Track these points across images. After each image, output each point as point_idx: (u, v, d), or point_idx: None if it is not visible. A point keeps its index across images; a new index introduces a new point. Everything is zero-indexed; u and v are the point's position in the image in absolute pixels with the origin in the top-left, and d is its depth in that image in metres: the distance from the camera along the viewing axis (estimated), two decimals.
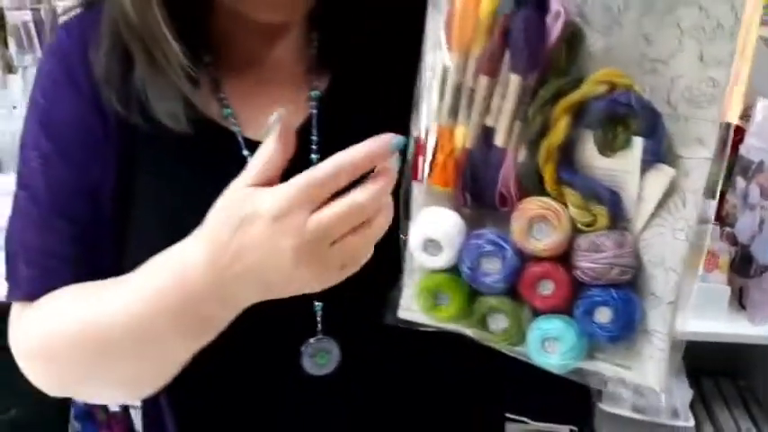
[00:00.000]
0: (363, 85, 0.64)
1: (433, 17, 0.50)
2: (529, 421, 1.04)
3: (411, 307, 0.54)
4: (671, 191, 0.46)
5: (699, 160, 0.46)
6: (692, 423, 1.00)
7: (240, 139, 0.62)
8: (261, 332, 0.60)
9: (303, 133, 0.63)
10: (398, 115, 0.56)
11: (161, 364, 0.57)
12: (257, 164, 0.47)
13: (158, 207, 0.62)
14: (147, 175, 0.62)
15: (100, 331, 0.54)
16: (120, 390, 0.63)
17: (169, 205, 0.62)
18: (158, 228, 0.61)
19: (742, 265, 1.15)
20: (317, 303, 0.61)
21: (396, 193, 0.52)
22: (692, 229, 0.46)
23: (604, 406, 1.01)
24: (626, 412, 0.99)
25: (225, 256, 0.46)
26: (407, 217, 0.53)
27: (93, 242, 0.62)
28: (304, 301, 0.60)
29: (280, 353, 0.62)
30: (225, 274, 0.47)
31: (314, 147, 0.63)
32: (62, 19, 0.68)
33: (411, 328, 0.54)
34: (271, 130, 0.46)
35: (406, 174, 0.52)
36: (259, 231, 0.45)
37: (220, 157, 0.61)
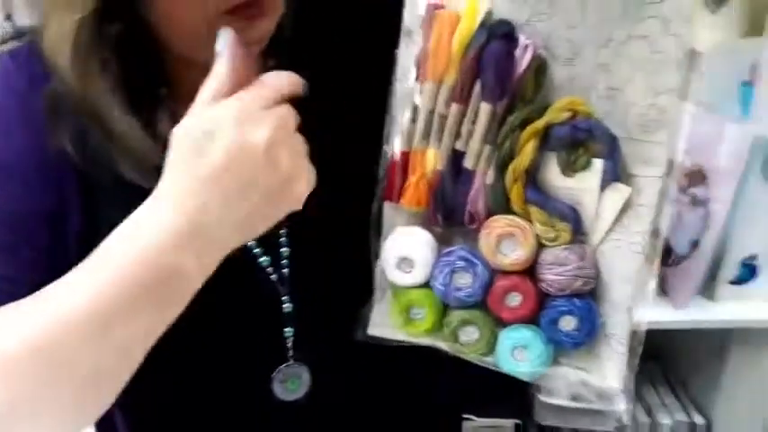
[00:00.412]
0: (322, 109, 0.65)
1: (406, 47, 0.52)
2: (474, 418, 1.08)
3: (383, 323, 0.56)
4: (626, 207, 0.51)
5: (650, 178, 0.50)
6: (623, 407, 1.07)
7: None
8: (232, 359, 0.61)
9: None
10: (360, 137, 0.58)
11: (124, 355, 0.48)
12: (209, 85, 0.47)
13: None
14: (111, 208, 0.60)
15: (53, 337, 0.45)
16: (70, 409, 0.50)
17: None
18: None
19: (662, 254, 1.24)
20: (287, 329, 0.62)
21: (368, 213, 0.55)
22: (646, 242, 0.51)
23: (543, 397, 1.06)
24: (563, 402, 1.05)
25: (198, 191, 0.45)
26: (379, 236, 0.55)
27: (56, 270, 0.60)
28: (275, 327, 0.62)
29: (250, 379, 0.63)
30: (201, 212, 0.45)
31: None
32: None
33: (381, 349, 0.56)
34: (221, 52, 0.47)
35: (378, 194, 0.54)
36: (227, 139, 0.45)
37: None
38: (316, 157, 0.56)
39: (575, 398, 1.11)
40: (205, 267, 0.47)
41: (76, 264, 0.53)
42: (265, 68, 0.66)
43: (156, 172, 0.54)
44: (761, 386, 1.15)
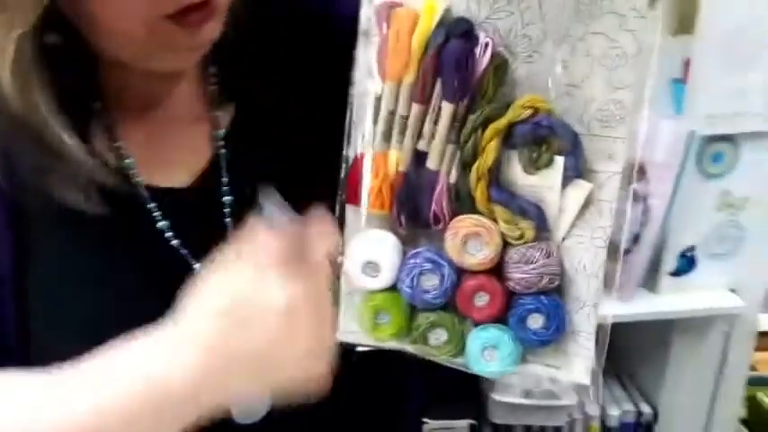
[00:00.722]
0: (269, 117, 0.63)
1: (364, 47, 0.51)
2: (429, 421, 1.08)
3: (350, 329, 0.55)
4: (588, 203, 0.51)
5: (610, 174, 0.51)
6: (575, 401, 1.09)
7: (143, 190, 0.59)
8: None
9: (211, 174, 0.61)
10: (309, 145, 0.57)
11: None
12: (256, 253, 0.46)
13: (63, 276, 0.57)
14: (48, 237, 0.57)
15: None
16: None
17: (74, 271, 0.57)
18: (64, 294, 0.57)
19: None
20: None
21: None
22: (609, 237, 0.51)
23: (496, 396, 1.07)
24: (516, 399, 1.07)
25: (224, 356, 0.45)
26: (343, 241, 0.54)
27: None
28: None
29: None
30: (219, 375, 0.45)
31: (225, 188, 0.61)
32: None
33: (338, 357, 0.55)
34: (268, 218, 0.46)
35: (340, 198, 0.53)
36: (273, 326, 0.45)
37: (125, 211, 0.57)
38: (259, 170, 0.55)
39: (527, 395, 1.13)
40: (207, 407, 0.47)
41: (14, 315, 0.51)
42: (206, 75, 0.64)
43: (97, 193, 0.51)
44: (703, 374, 1.19)
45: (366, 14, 0.51)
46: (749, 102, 1.06)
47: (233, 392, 0.48)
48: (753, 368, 1.34)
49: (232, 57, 0.61)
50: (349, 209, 0.53)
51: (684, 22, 1.08)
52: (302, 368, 0.48)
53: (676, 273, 1.13)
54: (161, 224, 0.58)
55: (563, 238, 0.52)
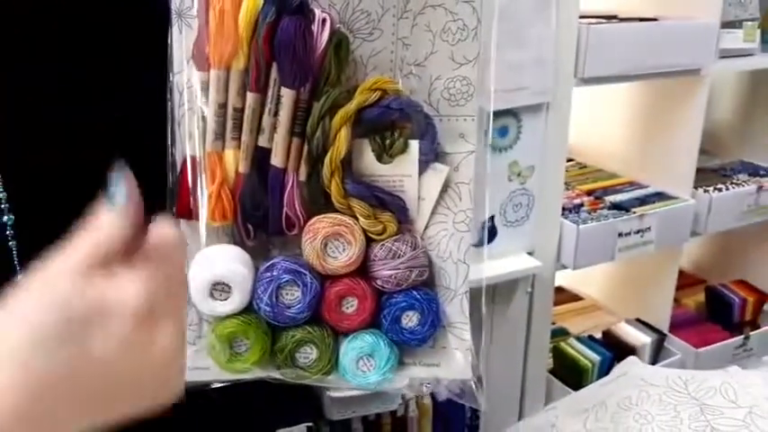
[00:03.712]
0: (45, 122, 0.53)
1: (180, 31, 0.43)
2: None
3: (200, 365, 0.46)
4: (446, 187, 0.48)
5: (464, 154, 0.48)
6: (406, 382, 1.09)
7: None
8: None
9: None
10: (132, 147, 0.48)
11: None
12: (88, 245, 0.34)
13: None
14: None
15: None
16: None
17: None
18: None
19: None
20: None
21: None
22: (471, 219, 0.49)
23: (331, 392, 1.03)
24: (351, 392, 1.04)
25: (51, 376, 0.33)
26: None
27: None
28: None
29: None
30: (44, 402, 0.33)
31: (5, 206, 0.50)
32: None
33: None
34: (114, 195, 0.34)
35: (171, 211, 0.44)
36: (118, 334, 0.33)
37: None
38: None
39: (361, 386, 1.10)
40: None
41: None
42: None
43: None
44: (514, 334, 1.26)
45: None
46: (524, 77, 1.12)
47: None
48: (552, 322, 1.46)
49: (31, 45, 0.50)
50: (184, 224, 0.45)
51: None
52: (158, 382, 0.37)
53: (479, 243, 1.18)
54: None
55: (426, 227, 0.48)
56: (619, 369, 0.88)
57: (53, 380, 0.34)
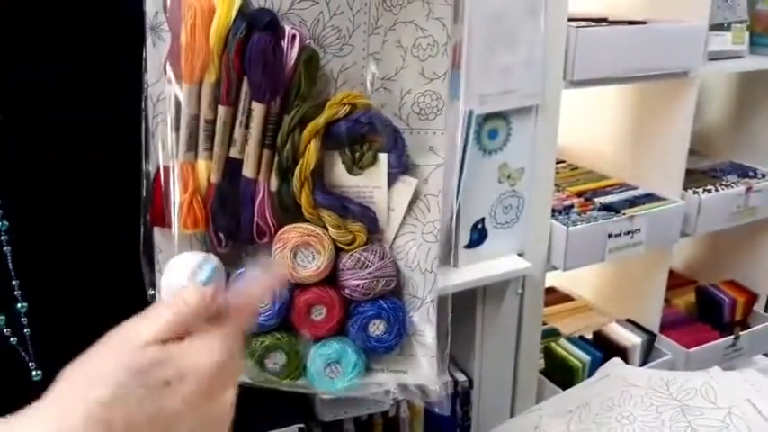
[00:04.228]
0: (36, 132, 0.54)
1: (153, 45, 0.44)
2: None
3: None
4: (415, 198, 0.49)
5: (433, 167, 0.49)
6: (374, 388, 1.11)
7: None
8: None
9: None
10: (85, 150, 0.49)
11: None
12: (169, 316, 0.36)
13: None
14: None
15: None
16: None
17: None
18: None
19: None
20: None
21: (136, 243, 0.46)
22: (439, 230, 0.50)
23: (323, 394, 1.05)
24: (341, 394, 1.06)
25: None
26: (153, 269, 0.46)
27: None
28: (23, 401, 0.50)
29: None
30: None
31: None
32: None
33: None
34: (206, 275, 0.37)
35: (145, 220, 0.46)
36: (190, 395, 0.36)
37: None
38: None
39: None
40: None
41: None
42: None
43: None
44: (505, 335, 1.27)
45: (153, 7, 0.44)
46: (514, 80, 1.13)
47: None
48: (543, 322, 1.47)
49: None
50: (157, 232, 0.46)
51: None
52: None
53: (470, 245, 1.19)
54: None
55: (395, 237, 0.50)
56: (602, 370, 0.90)
57: None
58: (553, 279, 1.76)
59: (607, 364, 0.93)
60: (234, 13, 0.44)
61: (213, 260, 0.44)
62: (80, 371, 0.37)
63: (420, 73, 0.48)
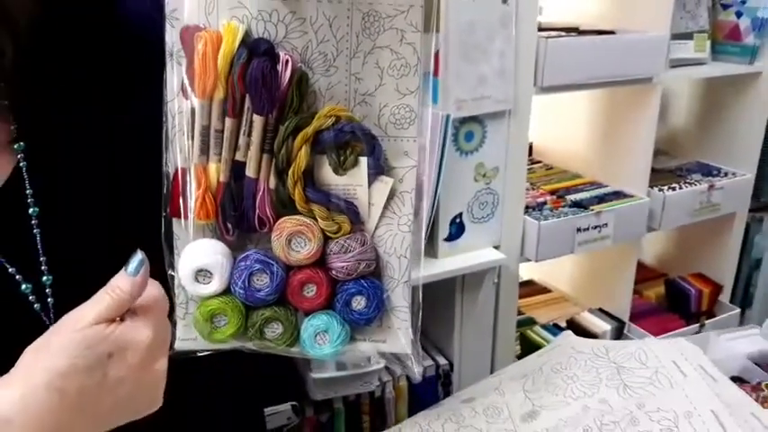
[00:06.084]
0: (67, 123, 0.62)
1: (172, 67, 0.53)
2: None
3: (188, 337, 0.57)
4: (392, 195, 0.59)
5: (407, 168, 0.59)
6: (382, 364, 1.20)
7: None
8: None
9: (13, 186, 0.59)
10: (113, 148, 0.58)
11: None
12: (109, 301, 0.47)
13: None
14: None
15: None
16: None
17: None
18: None
19: None
20: None
21: (158, 232, 0.55)
22: (412, 222, 0.59)
23: (314, 374, 1.14)
24: (333, 373, 1.15)
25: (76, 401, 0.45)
26: (172, 253, 0.56)
27: None
28: None
29: None
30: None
31: (30, 200, 0.59)
32: None
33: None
34: (131, 266, 0.49)
35: (165, 213, 0.55)
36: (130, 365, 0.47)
37: None
38: (64, 179, 0.54)
39: (341, 367, 1.21)
40: None
41: None
42: None
43: None
44: (483, 322, 1.36)
45: (171, 38, 0.53)
46: (488, 87, 1.23)
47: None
48: (519, 312, 1.57)
49: (22, 71, 0.58)
50: (175, 223, 0.55)
51: (428, 20, 1.22)
52: (149, 398, 0.51)
53: (449, 238, 1.28)
54: None
55: (375, 228, 0.59)
56: (555, 341, 1.01)
57: (82, 401, 0.47)
58: (531, 272, 1.86)
59: (560, 336, 1.03)
60: (237, 43, 0.53)
61: (140, 254, 0.51)
62: (41, 347, 0.48)
63: (395, 89, 0.57)
